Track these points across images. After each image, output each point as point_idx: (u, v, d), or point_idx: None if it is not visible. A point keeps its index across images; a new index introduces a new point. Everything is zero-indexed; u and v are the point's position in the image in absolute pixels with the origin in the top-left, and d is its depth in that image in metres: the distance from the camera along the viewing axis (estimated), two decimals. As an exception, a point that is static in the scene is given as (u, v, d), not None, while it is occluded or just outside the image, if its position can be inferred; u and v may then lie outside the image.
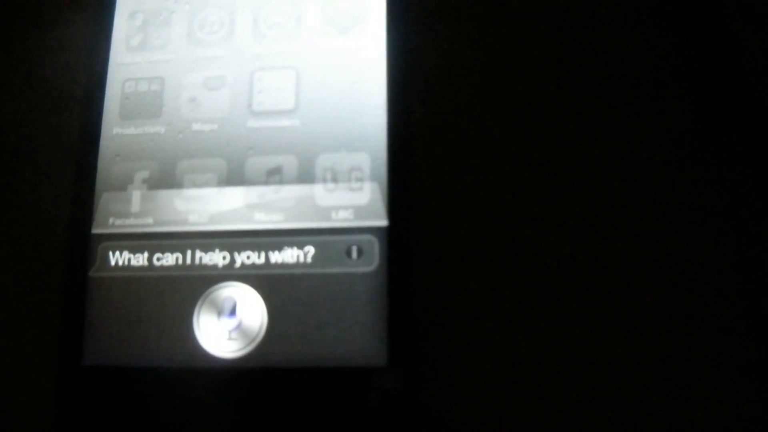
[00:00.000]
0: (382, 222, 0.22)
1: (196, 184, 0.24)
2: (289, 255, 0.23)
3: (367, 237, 0.22)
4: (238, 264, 0.23)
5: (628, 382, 0.22)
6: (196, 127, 0.24)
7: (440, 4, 0.26)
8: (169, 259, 0.23)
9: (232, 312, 0.22)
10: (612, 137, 0.24)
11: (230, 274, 0.23)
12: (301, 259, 0.23)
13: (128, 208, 0.24)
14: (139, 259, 0.23)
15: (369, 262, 0.22)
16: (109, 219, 0.24)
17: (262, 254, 0.23)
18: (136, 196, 0.24)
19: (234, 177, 0.23)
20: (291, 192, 0.23)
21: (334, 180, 0.23)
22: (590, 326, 0.22)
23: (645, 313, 0.22)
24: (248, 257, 0.23)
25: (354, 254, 0.22)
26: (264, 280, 0.22)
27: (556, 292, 0.23)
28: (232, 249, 0.23)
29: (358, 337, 0.22)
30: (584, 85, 0.25)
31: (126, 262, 0.23)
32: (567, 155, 0.24)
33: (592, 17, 0.25)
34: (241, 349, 0.22)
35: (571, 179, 0.24)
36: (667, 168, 0.24)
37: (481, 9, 0.26)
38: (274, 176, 0.23)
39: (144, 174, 0.24)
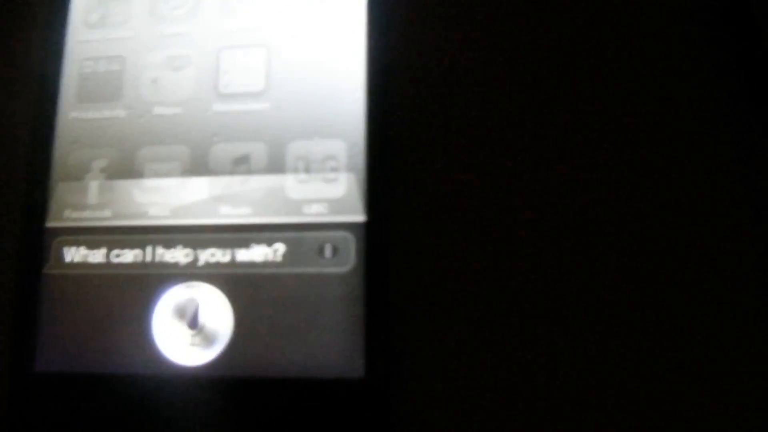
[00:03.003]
0: (359, 217, 0.21)
1: (157, 174, 0.22)
2: (257, 253, 0.21)
3: (342, 234, 0.21)
4: (201, 262, 0.21)
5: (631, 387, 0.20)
6: (158, 110, 0.22)
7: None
8: (128, 255, 0.21)
9: (195, 315, 0.21)
10: (600, 132, 0.23)
11: (193, 272, 0.21)
12: (270, 258, 0.21)
13: (85, 199, 0.22)
14: (96, 256, 0.22)
15: (344, 261, 0.20)
16: (65, 211, 0.22)
17: (228, 252, 0.21)
18: (93, 186, 0.22)
19: (198, 166, 0.22)
20: (259, 183, 0.21)
21: (307, 170, 0.21)
22: (579, 327, 0.21)
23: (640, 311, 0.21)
24: (213, 255, 0.21)
25: (328, 253, 0.21)
26: (230, 280, 0.21)
27: (545, 292, 0.21)
28: (195, 245, 0.21)
29: (332, 345, 0.20)
30: (575, 76, 0.23)
31: (82, 259, 0.22)
32: (554, 146, 0.22)
33: (586, 12, 0.24)
34: (204, 356, 0.20)
35: (559, 172, 0.22)
36: (669, 165, 0.22)
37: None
38: (241, 165, 0.22)
39: (102, 162, 0.22)
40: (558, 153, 0.22)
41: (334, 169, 0.21)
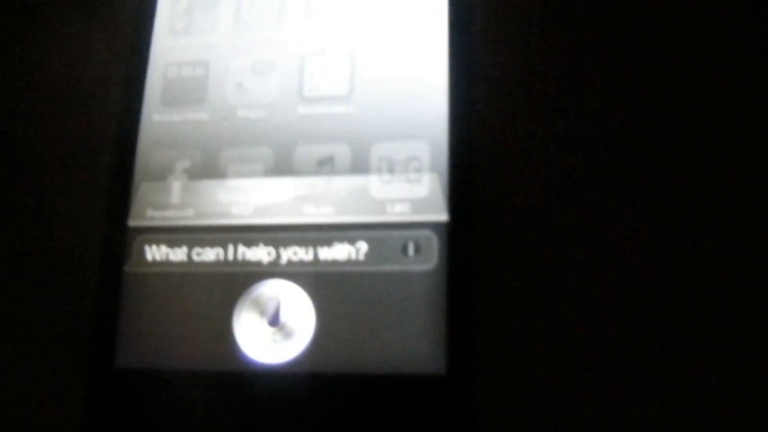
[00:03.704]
0: (442, 217, 0.21)
1: (240, 175, 0.22)
2: (339, 251, 0.21)
3: (425, 233, 0.21)
4: (284, 260, 0.21)
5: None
6: (242, 113, 0.23)
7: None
8: (210, 254, 0.22)
9: (276, 312, 0.21)
10: (676, 133, 0.23)
11: (275, 271, 0.21)
12: (353, 256, 0.21)
13: (167, 199, 0.22)
14: (178, 254, 0.22)
15: (427, 260, 0.20)
16: (147, 211, 0.22)
17: (311, 250, 0.21)
18: (176, 186, 0.22)
19: (282, 167, 0.22)
20: (343, 183, 0.22)
21: (390, 171, 0.21)
22: (661, 329, 0.21)
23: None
24: (295, 253, 0.21)
25: (411, 251, 0.21)
26: (312, 278, 0.21)
27: (633, 294, 0.21)
28: (277, 244, 0.21)
29: (414, 342, 0.20)
30: (653, 75, 0.23)
31: (164, 257, 0.22)
32: (642, 147, 0.22)
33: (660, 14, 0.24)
34: (285, 354, 0.20)
35: (642, 175, 0.22)
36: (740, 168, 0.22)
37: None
38: (325, 166, 0.22)
39: (185, 163, 0.23)
40: (648, 153, 0.22)
41: (417, 170, 0.21)
